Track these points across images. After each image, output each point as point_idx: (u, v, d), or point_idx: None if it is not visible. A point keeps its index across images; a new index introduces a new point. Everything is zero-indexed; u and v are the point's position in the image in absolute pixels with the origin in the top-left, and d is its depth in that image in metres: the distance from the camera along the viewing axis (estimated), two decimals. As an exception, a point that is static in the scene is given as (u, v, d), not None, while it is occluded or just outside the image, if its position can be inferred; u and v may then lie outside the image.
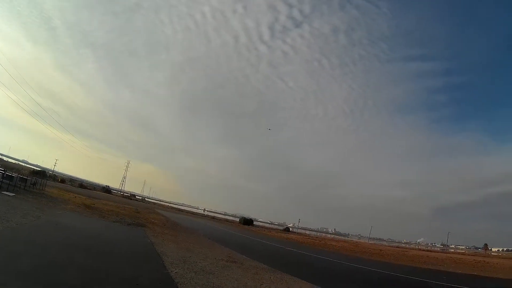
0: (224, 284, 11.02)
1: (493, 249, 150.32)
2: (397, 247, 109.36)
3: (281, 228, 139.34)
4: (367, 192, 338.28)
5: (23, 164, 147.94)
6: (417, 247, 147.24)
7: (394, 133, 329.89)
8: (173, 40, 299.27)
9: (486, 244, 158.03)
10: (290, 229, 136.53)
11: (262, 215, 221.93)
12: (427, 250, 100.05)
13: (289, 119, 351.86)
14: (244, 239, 43.33)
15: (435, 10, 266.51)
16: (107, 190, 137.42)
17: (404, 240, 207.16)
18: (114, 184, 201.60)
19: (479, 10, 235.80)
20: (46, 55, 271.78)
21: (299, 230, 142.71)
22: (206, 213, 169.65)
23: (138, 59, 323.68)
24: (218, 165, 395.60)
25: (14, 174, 40.01)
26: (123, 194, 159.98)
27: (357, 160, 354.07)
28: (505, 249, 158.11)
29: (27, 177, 46.28)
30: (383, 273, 23.90)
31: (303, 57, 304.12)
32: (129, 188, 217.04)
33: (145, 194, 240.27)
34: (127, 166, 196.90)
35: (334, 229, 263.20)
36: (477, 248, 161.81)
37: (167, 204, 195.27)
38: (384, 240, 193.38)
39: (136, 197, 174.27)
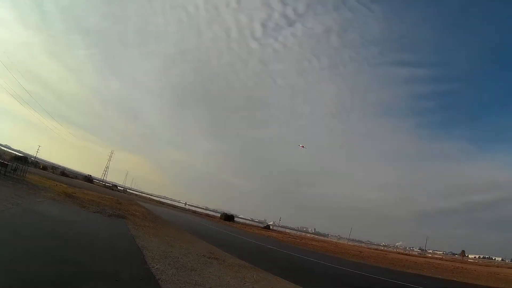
0: (206, 282, 10.58)
1: (470, 256, 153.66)
2: (376, 249, 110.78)
3: (262, 225, 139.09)
4: (348, 193, 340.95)
5: (5, 149, 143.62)
6: (395, 250, 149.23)
7: (379, 135, 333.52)
8: (165, 31, 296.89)
9: (463, 251, 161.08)
10: (271, 226, 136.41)
11: (242, 212, 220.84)
12: (406, 254, 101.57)
13: (276, 116, 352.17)
14: (225, 235, 42.89)
15: (427, 17, 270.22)
16: (89, 179, 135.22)
17: (383, 243, 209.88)
18: (96, 173, 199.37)
19: (470, 20, 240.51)
20: (36, 39, 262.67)
21: (279, 228, 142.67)
22: (187, 207, 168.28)
23: (129, 48, 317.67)
24: (202, 159, 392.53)
25: (-6, 159, 38.79)
26: (105, 184, 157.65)
27: (341, 161, 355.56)
28: (481, 256, 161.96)
29: (8, 162, 44.91)
30: (366, 276, 23.70)
31: (294, 56, 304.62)
32: (111, 178, 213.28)
33: (127, 185, 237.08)
34: (110, 156, 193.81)
35: (314, 229, 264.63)
36: (454, 254, 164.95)
37: (149, 196, 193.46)
38: (363, 242, 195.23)
39: (118, 187, 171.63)
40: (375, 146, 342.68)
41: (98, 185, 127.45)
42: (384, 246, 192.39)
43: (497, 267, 71.91)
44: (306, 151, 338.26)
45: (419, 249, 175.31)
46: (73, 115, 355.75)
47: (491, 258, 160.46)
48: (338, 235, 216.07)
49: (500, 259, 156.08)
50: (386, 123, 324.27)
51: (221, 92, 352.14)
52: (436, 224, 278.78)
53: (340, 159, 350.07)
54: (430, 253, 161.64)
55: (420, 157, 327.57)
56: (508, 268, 68.30)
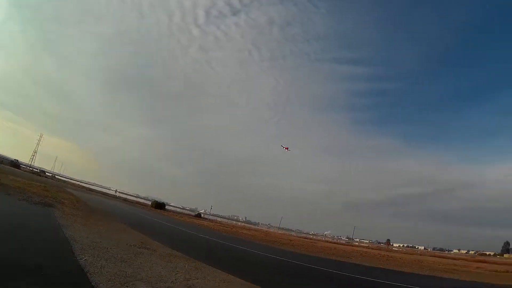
0: (137, 273, 10.12)
1: (395, 245, 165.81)
2: (306, 238, 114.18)
3: (193, 213, 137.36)
4: (280, 183, 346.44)
5: None
6: (324, 239, 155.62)
7: (315, 129, 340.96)
8: (106, 10, 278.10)
9: (388, 240, 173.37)
10: (202, 215, 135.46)
11: (174, 199, 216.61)
12: (334, 243, 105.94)
13: (213, 105, 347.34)
14: (156, 223, 41.77)
15: (370, 17, 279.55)
16: (15, 164, 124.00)
17: (312, 232, 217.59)
18: (24, 158, 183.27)
19: (412, 22, 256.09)
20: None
21: (210, 217, 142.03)
22: (118, 194, 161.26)
23: (66, 27, 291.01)
24: (135, 145, 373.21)
25: None
26: (32, 170, 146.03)
27: (275, 152, 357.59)
28: (405, 245, 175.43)
29: None
30: (297, 264, 23.84)
31: (235, 46, 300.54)
32: (40, 163, 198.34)
33: (56, 171, 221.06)
34: (39, 140, 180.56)
35: (245, 217, 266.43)
36: (379, 243, 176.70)
37: (78, 183, 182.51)
38: (293, 231, 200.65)
39: (46, 174, 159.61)
40: (310, 139, 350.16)
41: (25, 171, 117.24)
42: (313, 234, 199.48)
43: (420, 255, 78.31)
44: (241, 141, 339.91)
45: (346, 238, 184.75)
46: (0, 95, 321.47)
47: (414, 247, 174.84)
48: (269, 224, 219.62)
49: (422, 247, 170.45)
50: (324, 117, 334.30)
51: (159, 77, 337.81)
52: (363, 215, 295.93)
53: (273, 150, 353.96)
54: (357, 241, 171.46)
55: (353, 151, 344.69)
56: (431, 256, 74.61)
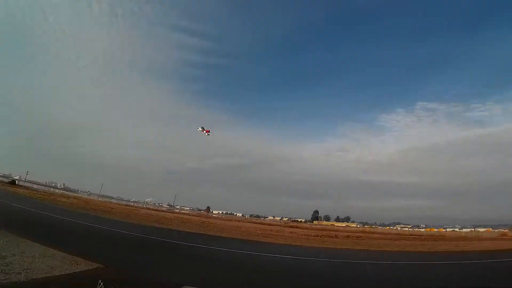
0: None
1: (214, 212, 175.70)
2: (127, 205, 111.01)
3: (6, 180, 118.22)
4: (101, 149, 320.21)
5: None
6: (146, 206, 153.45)
7: (143, 94, 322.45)
8: None
9: (208, 207, 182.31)
10: (17, 182, 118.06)
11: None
12: (156, 210, 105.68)
13: (39, 57, 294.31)
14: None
15: None
16: None
17: (133, 199, 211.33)
18: None
19: (256, 6, 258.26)
20: None
21: (26, 184, 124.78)
22: None
23: None
24: None
25: None
26: None
27: (99, 116, 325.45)
28: (224, 212, 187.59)
29: None
30: (119, 232, 23.32)
31: None
32: None
33: None
34: None
35: (63, 184, 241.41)
36: (200, 210, 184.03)
37: None
38: (114, 198, 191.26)
39: None
40: (137, 103, 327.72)
41: None
42: (134, 202, 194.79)
43: (238, 221, 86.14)
44: (59, 101, 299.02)
45: (168, 205, 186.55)
46: None
47: (233, 214, 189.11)
48: (88, 191, 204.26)
49: (240, 214, 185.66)
50: (153, 83, 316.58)
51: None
52: (185, 183, 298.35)
53: (100, 113, 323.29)
54: (178, 208, 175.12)
55: (178, 120, 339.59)
56: (248, 222, 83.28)
